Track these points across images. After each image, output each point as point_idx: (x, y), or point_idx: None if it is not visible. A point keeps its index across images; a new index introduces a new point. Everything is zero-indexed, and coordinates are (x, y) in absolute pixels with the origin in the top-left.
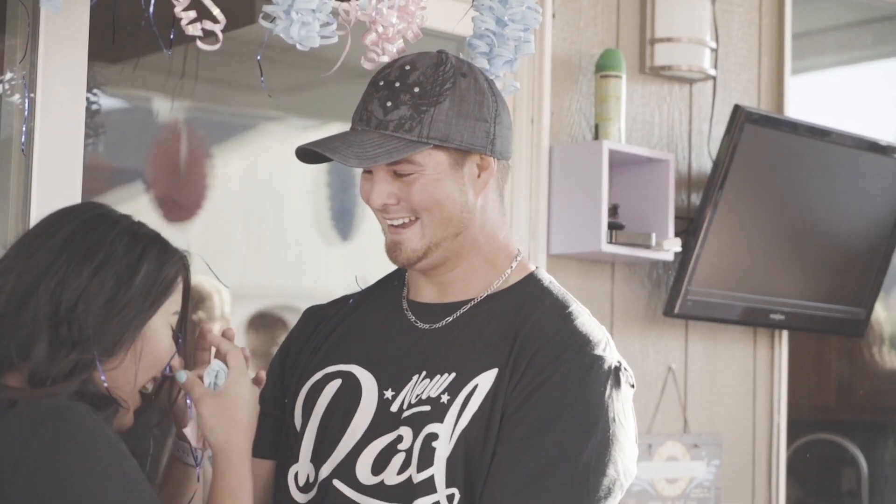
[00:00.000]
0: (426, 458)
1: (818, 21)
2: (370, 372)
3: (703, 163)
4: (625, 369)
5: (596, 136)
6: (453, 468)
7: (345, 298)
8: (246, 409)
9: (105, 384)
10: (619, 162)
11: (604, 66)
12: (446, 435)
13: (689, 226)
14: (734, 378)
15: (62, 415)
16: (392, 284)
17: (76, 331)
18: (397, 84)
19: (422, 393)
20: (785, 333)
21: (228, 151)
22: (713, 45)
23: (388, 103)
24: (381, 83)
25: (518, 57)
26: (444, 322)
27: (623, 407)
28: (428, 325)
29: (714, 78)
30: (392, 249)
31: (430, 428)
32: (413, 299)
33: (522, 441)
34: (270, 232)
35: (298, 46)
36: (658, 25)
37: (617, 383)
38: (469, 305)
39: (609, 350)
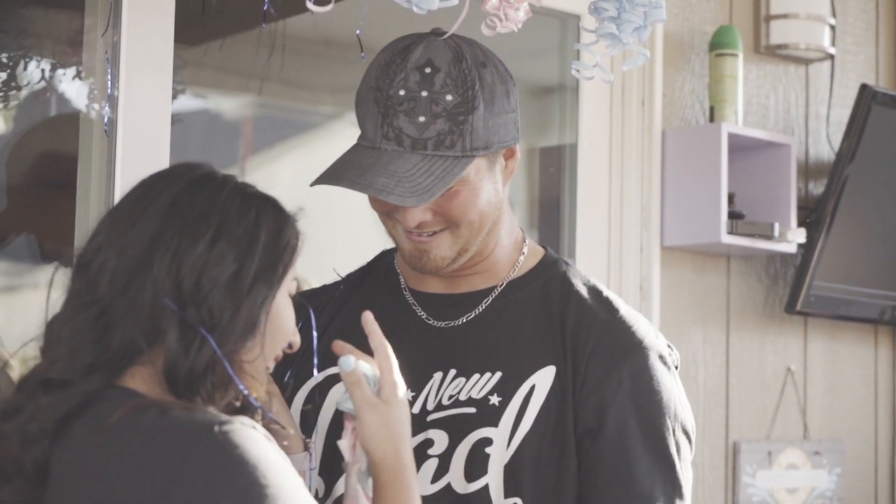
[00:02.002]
0: (477, 467)
1: None
2: None
3: (821, 148)
4: (670, 348)
5: (711, 119)
6: (514, 476)
7: (333, 287)
8: (406, 416)
9: (244, 386)
10: (736, 147)
11: (719, 44)
12: (502, 440)
13: (809, 215)
14: (855, 379)
15: (220, 431)
16: (383, 270)
17: (206, 313)
18: (424, 93)
19: (457, 394)
20: None
21: (293, 148)
22: (832, 21)
23: (421, 118)
24: (402, 93)
25: (648, 24)
26: (464, 319)
27: (680, 386)
28: (444, 322)
29: (832, 57)
30: (416, 256)
31: (481, 433)
32: (415, 289)
33: (616, 459)
34: (330, 232)
35: (415, 9)
36: (774, 1)
37: (672, 367)
38: (491, 298)
39: (657, 335)
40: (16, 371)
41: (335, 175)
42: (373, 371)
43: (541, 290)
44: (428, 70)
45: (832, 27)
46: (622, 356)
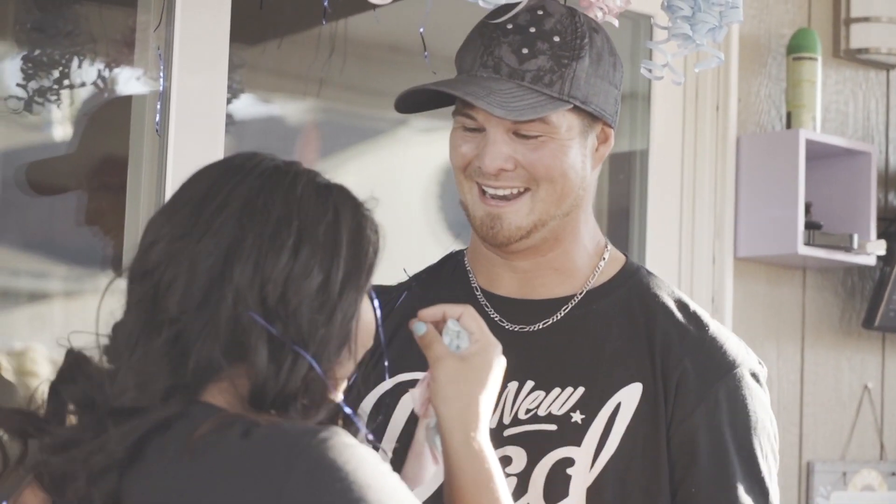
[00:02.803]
0: (559, 488)
1: None
2: None
3: None
4: (761, 365)
5: (788, 125)
6: (597, 499)
7: (405, 285)
8: (493, 384)
9: (350, 409)
10: (813, 154)
11: (797, 48)
12: (586, 461)
13: (889, 226)
14: None
15: (321, 444)
16: (453, 271)
17: (294, 328)
18: (532, 30)
19: (536, 408)
20: None
21: (355, 156)
22: None
23: (524, 50)
24: (510, 26)
25: (724, 25)
26: (541, 325)
27: (769, 403)
28: (519, 327)
29: None
30: (488, 224)
31: (562, 452)
32: (488, 290)
33: (714, 485)
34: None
35: (482, 3)
36: (854, 3)
37: (764, 384)
38: (571, 305)
39: (748, 352)
40: (3, 369)
41: (421, 87)
42: (465, 330)
43: (624, 300)
44: (540, 12)
45: None
46: (716, 377)
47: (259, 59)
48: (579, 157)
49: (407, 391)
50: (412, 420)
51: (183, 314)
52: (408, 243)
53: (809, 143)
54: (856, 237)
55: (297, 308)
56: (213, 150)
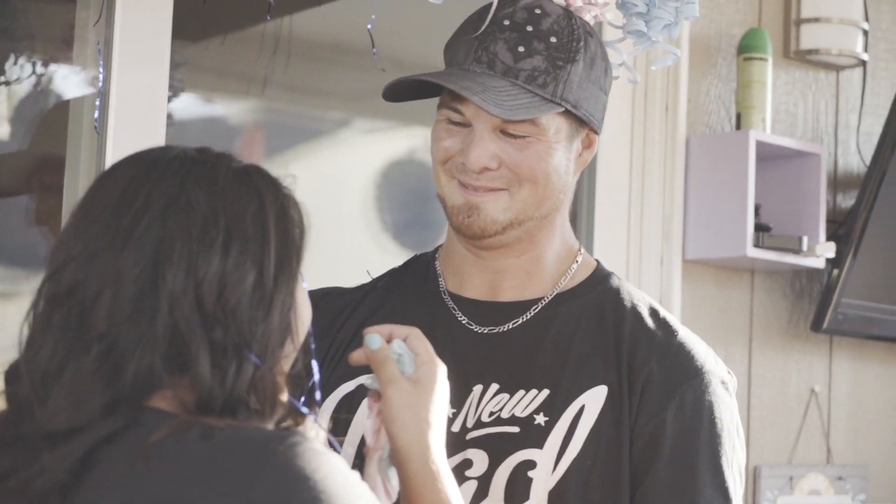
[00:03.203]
0: (520, 491)
1: None
2: None
3: (850, 159)
4: (730, 375)
5: (738, 126)
6: (560, 502)
7: (367, 286)
8: (444, 407)
9: (305, 408)
10: (762, 156)
11: (747, 48)
12: (548, 464)
13: (838, 229)
14: (881, 401)
15: (289, 450)
16: (420, 273)
17: (235, 331)
18: (529, 28)
19: (499, 411)
20: None
21: (298, 157)
22: (865, 26)
23: (520, 48)
24: (507, 22)
25: (680, 21)
26: (509, 325)
27: (738, 414)
28: (487, 329)
29: (864, 64)
30: (465, 213)
31: (524, 454)
32: (456, 293)
33: (675, 490)
34: (329, 241)
35: None
36: (805, 3)
37: (732, 394)
38: (539, 307)
39: (717, 360)
40: None
41: (412, 76)
42: (409, 352)
43: (594, 304)
44: (538, 11)
45: (865, 32)
46: (682, 381)
47: (201, 56)
48: (563, 160)
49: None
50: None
51: (113, 327)
52: (348, 244)
53: (759, 145)
54: (805, 239)
55: (236, 307)
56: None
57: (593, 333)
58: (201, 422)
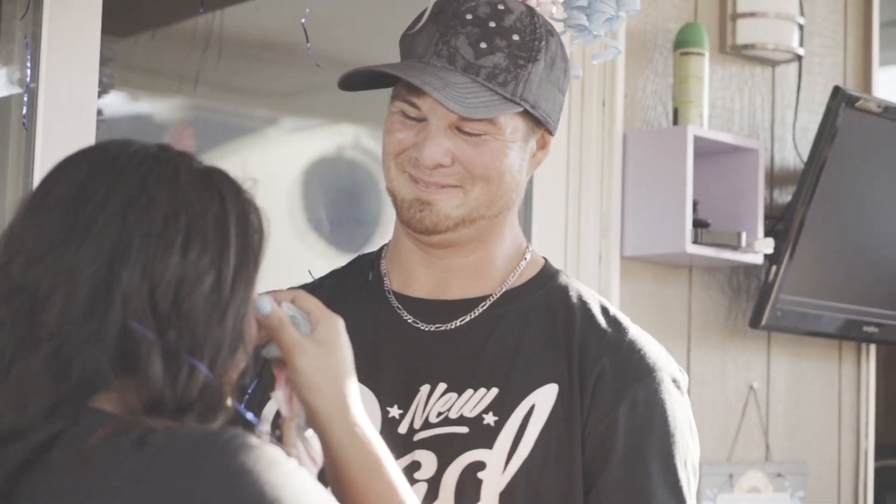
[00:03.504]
0: (470, 493)
1: None
2: (364, 384)
3: (787, 154)
4: (682, 372)
5: (675, 122)
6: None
7: (310, 287)
8: (350, 359)
9: (252, 415)
10: (699, 151)
11: (684, 42)
12: (498, 464)
13: (775, 225)
14: (819, 398)
15: (227, 446)
16: (364, 273)
17: (188, 334)
18: (492, 24)
19: (447, 411)
20: (873, 348)
21: (226, 154)
22: (801, 20)
23: (482, 44)
24: (469, 17)
25: (621, 14)
26: (456, 323)
27: (691, 412)
28: (433, 327)
29: (800, 58)
30: (416, 207)
31: (473, 455)
32: (401, 293)
33: (629, 488)
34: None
35: None
36: None
37: (685, 392)
38: (487, 304)
39: (668, 358)
40: None
41: (373, 66)
42: (301, 312)
43: (542, 301)
44: (501, 7)
45: (801, 27)
46: (634, 379)
47: (130, 52)
48: (518, 160)
49: None
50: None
51: (64, 326)
52: (275, 242)
53: (697, 140)
54: (744, 235)
55: (191, 312)
56: (83, 143)
57: (543, 331)
58: (141, 423)
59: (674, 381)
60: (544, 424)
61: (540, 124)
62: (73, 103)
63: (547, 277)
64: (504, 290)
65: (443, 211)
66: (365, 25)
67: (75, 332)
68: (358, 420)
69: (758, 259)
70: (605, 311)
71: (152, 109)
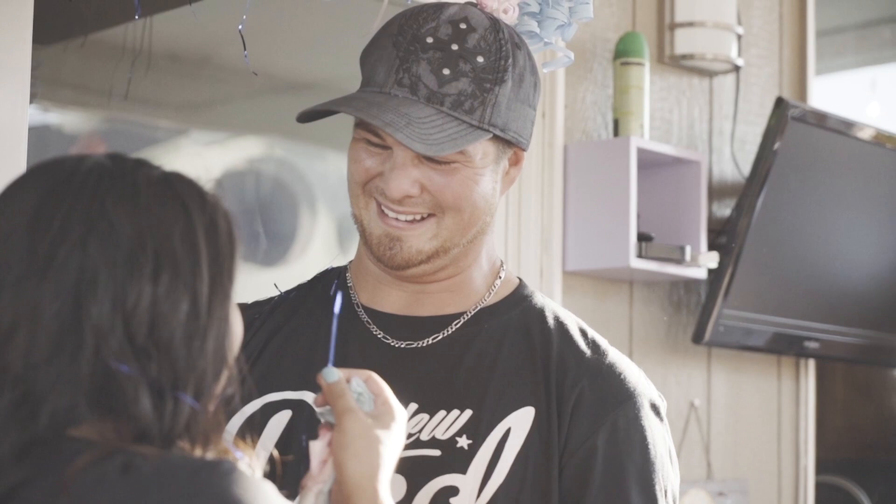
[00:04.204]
0: None
1: (836, 19)
2: None
3: (725, 167)
4: (661, 398)
5: (615, 133)
6: None
7: (276, 300)
8: (397, 450)
9: (238, 452)
10: (640, 164)
11: (624, 52)
12: (471, 490)
13: (716, 238)
14: (759, 414)
15: (223, 479)
16: (330, 287)
17: (168, 365)
18: (454, 47)
19: (418, 433)
20: (812, 363)
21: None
22: (739, 30)
23: (445, 70)
24: (430, 40)
25: (573, 22)
26: (428, 340)
27: (670, 438)
28: (404, 343)
29: (738, 69)
30: (386, 245)
31: (445, 480)
32: (371, 307)
33: None
34: None
35: None
36: (679, 7)
37: (664, 418)
38: (461, 322)
39: (647, 382)
40: None
41: (334, 104)
42: (370, 393)
43: (518, 321)
44: (463, 26)
45: (739, 37)
46: (615, 403)
47: (42, 64)
48: (490, 183)
49: (276, 412)
50: (282, 442)
51: (29, 370)
52: None
53: (639, 152)
54: (688, 249)
55: (170, 341)
56: (14, 159)
57: (519, 352)
58: (125, 449)
59: (653, 406)
60: (520, 449)
61: (510, 143)
62: (3, 117)
63: (522, 297)
64: (479, 308)
65: (414, 246)
66: (291, 35)
67: (43, 374)
68: (383, 498)
69: (699, 273)
70: (583, 333)
71: (59, 121)
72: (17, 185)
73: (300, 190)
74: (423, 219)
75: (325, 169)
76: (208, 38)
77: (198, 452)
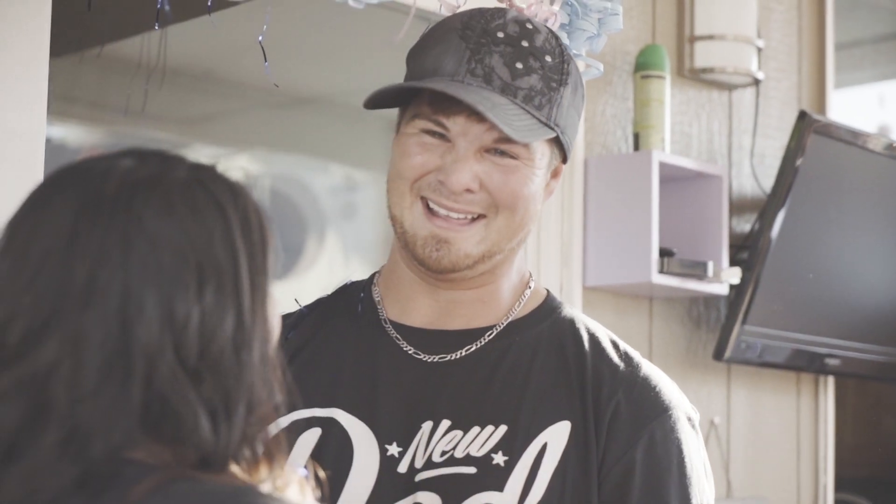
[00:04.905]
0: None
1: (855, 32)
2: (361, 419)
3: (744, 181)
4: (695, 411)
5: (636, 147)
6: None
7: (296, 315)
8: None
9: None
10: (661, 178)
11: (645, 65)
12: None
13: (737, 253)
14: (778, 431)
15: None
16: (354, 302)
17: (220, 384)
18: (524, 44)
19: (452, 450)
20: (831, 380)
21: None
22: (760, 43)
23: (518, 65)
24: (501, 35)
25: (603, 33)
26: (460, 353)
27: (705, 450)
28: (436, 357)
29: (758, 83)
30: (432, 245)
31: (482, 497)
32: (399, 322)
33: None
34: None
35: (352, 3)
36: (698, 20)
37: (698, 430)
38: (492, 335)
39: (681, 394)
40: None
41: (417, 83)
42: None
43: (549, 334)
44: (529, 26)
45: (759, 49)
46: (652, 416)
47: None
48: (539, 189)
49: (305, 429)
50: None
51: (76, 404)
52: None
53: (661, 167)
54: (711, 265)
55: (220, 356)
56: (30, 170)
57: (552, 365)
58: (189, 473)
59: (689, 419)
60: (558, 464)
61: (558, 152)
62: (20, 128)
63: (551, 309)
64: (509, 320)
65: (462, 249)
66: (295, 50)
67: (90, 407)
68: None
69: (721, 289)
70: (615, 345)
71: (62, 134)
72: (44, 199)
73: (305, 203)
74: (472, 221)
75: (330, 183)
76: (209, 52)
77: (263, 470)
